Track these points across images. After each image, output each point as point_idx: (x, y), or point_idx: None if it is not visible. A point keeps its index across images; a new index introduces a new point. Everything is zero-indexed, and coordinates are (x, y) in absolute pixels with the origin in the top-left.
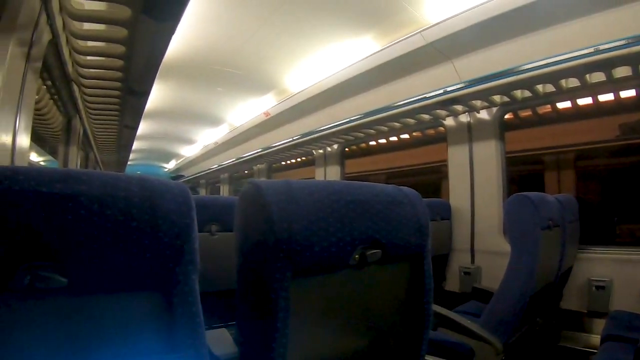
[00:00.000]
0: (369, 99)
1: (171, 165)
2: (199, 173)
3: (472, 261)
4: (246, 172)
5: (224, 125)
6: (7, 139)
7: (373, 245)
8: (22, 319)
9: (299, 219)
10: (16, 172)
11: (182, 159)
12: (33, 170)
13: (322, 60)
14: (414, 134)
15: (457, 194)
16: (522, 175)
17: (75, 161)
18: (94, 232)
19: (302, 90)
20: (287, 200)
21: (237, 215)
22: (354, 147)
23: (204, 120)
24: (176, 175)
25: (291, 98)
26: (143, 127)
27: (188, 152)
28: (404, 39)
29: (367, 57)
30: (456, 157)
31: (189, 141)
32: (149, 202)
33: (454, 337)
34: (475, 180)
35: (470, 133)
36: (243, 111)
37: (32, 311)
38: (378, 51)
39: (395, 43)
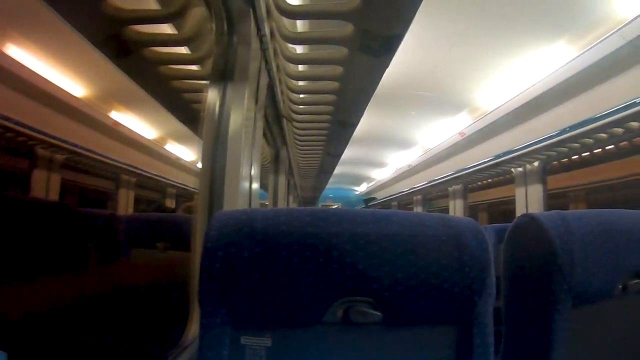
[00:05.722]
0: (568, 108)
1: (362, 188)
2: (391, 196)
3: None
4: (439, 192)
5: (416, 147)
6: (245, 171)
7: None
8: (334, 349)
9: (578, 250)
10: (331, 215)
11: (372, 182)
12: (344, 212)
13: (516, 74)
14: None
15: None
16: None
17: (284, 188)
18: (408, 269)
19: (497, 108)
20: (566, 232)
21: (508, 247)
22: (555, 162)
23: (396, 143)
24: (368, 197)
25: (486, 116)
26: None
27: (379, 175)
28: (601, 40)
29: (562, 66)
30: None
31: (380, 164)
32: (454, 239)
33: None
34: None
35: None
36: (436, 132)
37: (342, 342)
38: (574, 58)
39: (591, 47)
